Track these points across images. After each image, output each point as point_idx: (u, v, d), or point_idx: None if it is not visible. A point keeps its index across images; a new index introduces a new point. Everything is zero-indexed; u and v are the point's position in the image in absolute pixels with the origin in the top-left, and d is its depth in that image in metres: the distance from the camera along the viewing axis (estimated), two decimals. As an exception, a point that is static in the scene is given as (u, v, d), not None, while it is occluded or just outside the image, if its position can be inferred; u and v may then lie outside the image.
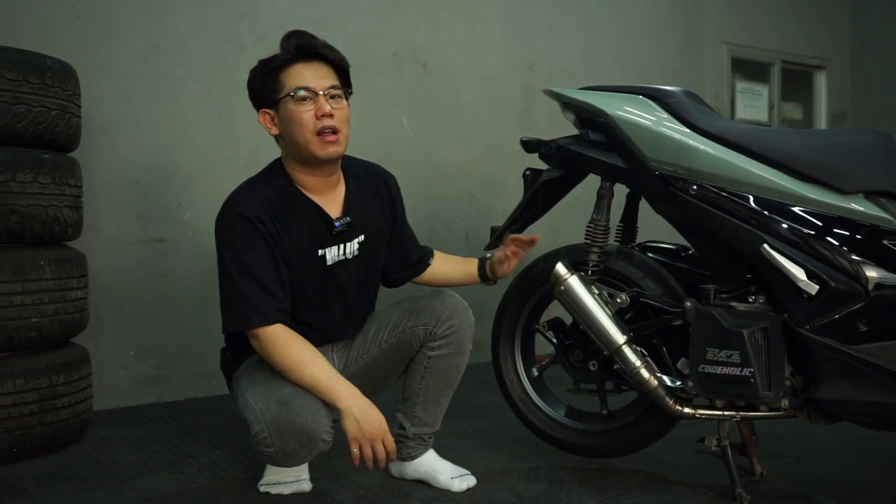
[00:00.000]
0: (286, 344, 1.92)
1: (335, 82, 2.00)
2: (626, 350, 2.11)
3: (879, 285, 1.86)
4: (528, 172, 2.43)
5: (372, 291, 2.25)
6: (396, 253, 2.27)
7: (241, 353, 2.13)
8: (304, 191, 2.06)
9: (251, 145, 3.43)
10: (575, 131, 2.37)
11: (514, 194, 4.06)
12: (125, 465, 2.42)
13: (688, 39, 5.01)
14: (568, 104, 2.30)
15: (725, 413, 2.07)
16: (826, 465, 2.38)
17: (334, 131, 1.97)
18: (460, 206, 4.04)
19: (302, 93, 1.95)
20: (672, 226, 2.23)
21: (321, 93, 1.96)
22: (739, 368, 1.96)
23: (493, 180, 4.16)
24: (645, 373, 2.10)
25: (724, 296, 2.10)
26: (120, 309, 3.17)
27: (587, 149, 2.25)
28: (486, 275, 2.31)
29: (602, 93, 2.24)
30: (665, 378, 2.12)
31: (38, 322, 2.44)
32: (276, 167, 2.10)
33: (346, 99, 2.04)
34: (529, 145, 2.40)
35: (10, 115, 2.39)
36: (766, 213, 1.97)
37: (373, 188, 2.20)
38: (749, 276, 2.09)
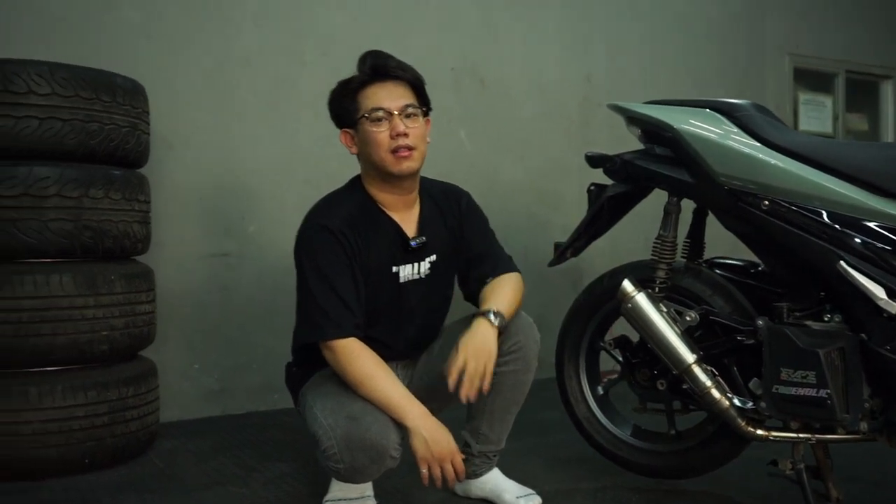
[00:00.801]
0: (360, 357, 1.93)
1: (410, 101, 2.02)
2: (696, 369, 2.07)
3: (964, 305, 1.78)
4: (592, 188, 2.40)
5: (441, 311, 2.24)
6: (469, 265, 2.24)
7: (308, 368, 2.13)
8: (382, 207, 2.08)
9: (313, 160, 3.47)
10: (638, 145, 2.34)
11: (572, 209, 4.04)
12: (192, 477, 2.45)
13: (750, 51, 4.92)
14: (634, 118, 2.27)
15: (800, 435, 2.00)
16: (904, 490, 2.29)
17: (409, 148, 1.99)
18: (518, 221, 4.02)
19: (378, 113, 1.98)
20: (742, 242, 2.18)
21: (395, 112, 1.98)
22: (815, 389, 1.89)
23: (550, 195, 4.13)
24: (716, 393, 2.05)
25: (797, 314, 2.03)
26: (185, 322, 3.22)
27: (653, 164, 2.22)
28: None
29: (669, 107, 2.21)
30: (736, 399, 2.07)
31: (108, 335, 2.48)
32: (356, 184, 2.12)
33: (425, 115, 2.06)
34: (594, 160, 2.37)
35: (85, 133, 2.45)
36: (841, 229, 1.91)
37: (445, 209, 2.20)
38: (823, 293, 2.03)
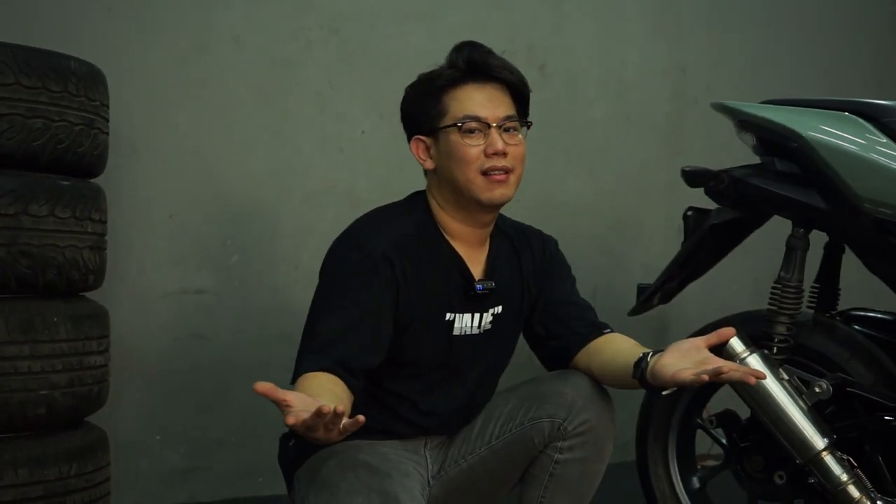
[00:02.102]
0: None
1: (512, 112, 2.07)
2: (828, 458, 2.07)
3: None
4: (689, 213, 2.42)
5: (496, 377, 2.26)
6: (552, 322, 2.24)
7: (308, 442, 2.13)
8: (448, 237, 2.11)
9: (316, 170, 3.50)
10: (753, 159, 2.35)
11: (657, 240, 4.04)
12: (150, 586, 2.45)
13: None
14: (746, 122, 2.30)
15: (968, 551, 1.98)
16: None
17: (506, 171, 2.02)
18: (586, 253, 4.00)
19: (471, 123, 2.01)
20: (890, 288, 2.18)
21: (494, 125, 2.02)
22: None
23: (628, 220, 4.13)
24: (854, 490, 2.06)
25: (966, 388, 2.02)
26: (146, 380, 3.24)
27: (772, 183, 2.24)
28: (646, 377, 1.99)
29: (794, 108, 2.24)
30: (880, 499, 2.07)
31: (47, 395, 2.48)
32: (419, 201, 2.16)
33: (523, 132, 2.10)
34: (693, 177, 2.39)
35: (25, 131, 2.47)
36: None
37: (522, 252, 2.23)
38: None
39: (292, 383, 1.99)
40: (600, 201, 4.09)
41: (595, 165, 4.10)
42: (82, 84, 2.61)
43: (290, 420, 1.56)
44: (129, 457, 3.19)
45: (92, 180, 2.76)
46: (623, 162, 4.14)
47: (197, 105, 3.33)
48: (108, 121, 2.80)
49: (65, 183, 2.58)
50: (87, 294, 2.77)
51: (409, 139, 2.12)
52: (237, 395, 3.33)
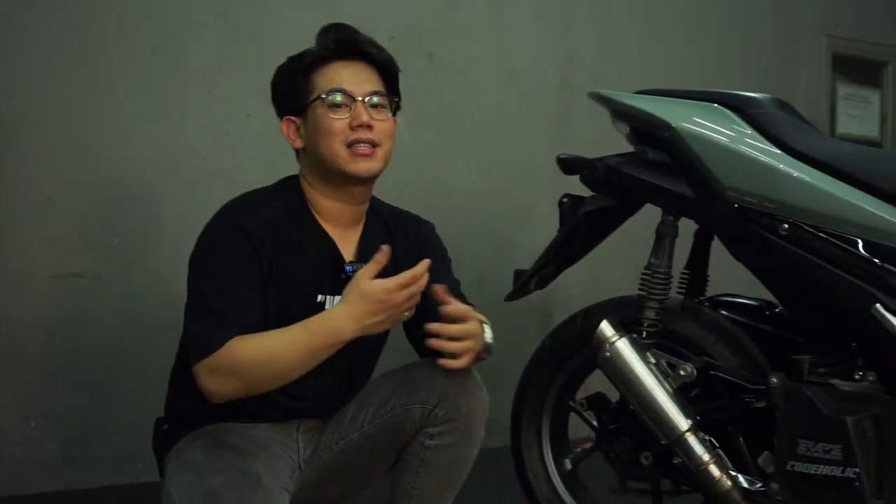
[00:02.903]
0: (244, 349, 1.91)
1: (379, 87, 2.08)
2: (691, 439, 2.11)
3: None
4: (565, 200, 2.45)
5: (370, 363, 2.26)
6: (423, 309, 2.26)
7: (182, 425, 2.12)
8: (319, 219, 2.12)
9: (203, 153, 3.46)
10: (628, 147, 2.39)
11: (545, 226, 4.05)
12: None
13: (779, 30, 5.03)
14: (621, 112, 2.33)
15: (822, 526, 2.05)
16: None
17: (372, 145, 2.04)
18: (474, 240, 4.03)
19: (337, 97, 2.02)
20: (754, 275, 2.24)
21: (360, 98, 2.03)
22: (841, 468, 1.95)
23: (517, 207, 4.17)
24: (715, 470, 2.10)
25: (822, 370, 2.09)
26: (21, 366, 3.17)
27: (644, 171, 2.27)
28: None
29: (667, 99, 2.28)
30: (741, 478, 2.11)
31: (-87, 380, 2.43)
32: (290, 184, 2.16)
33: (392, 110, 2.12)
34: (568, 164, 2.42)
35: None
36: (879, 262, 1.98)
37: (397, 235, 2.23)
38: (855, 344, 2.09)
39: (199, 359, 1.97)
40: (490, 188, 4.12)
41: (485, 152, 4.12)
42: (-49, 61, 2.55)
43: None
44: (3, 444, 3.13)
45: (-38, 160, 2.70)
46: (512, 149, 4.17)
47: (77, 85, 3.26)
48: (-20, 99, 2.73)
49: (-68, 162, 2.51)
50: (-42, 277, 2.71)
51: (280, 120, 2.13)
52: (117, 382, 3.29)
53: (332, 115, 2.02)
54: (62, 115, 3.24)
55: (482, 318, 2.06)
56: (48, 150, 3.22)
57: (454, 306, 1.94)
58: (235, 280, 1.99)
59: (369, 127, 2.03)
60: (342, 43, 2.06)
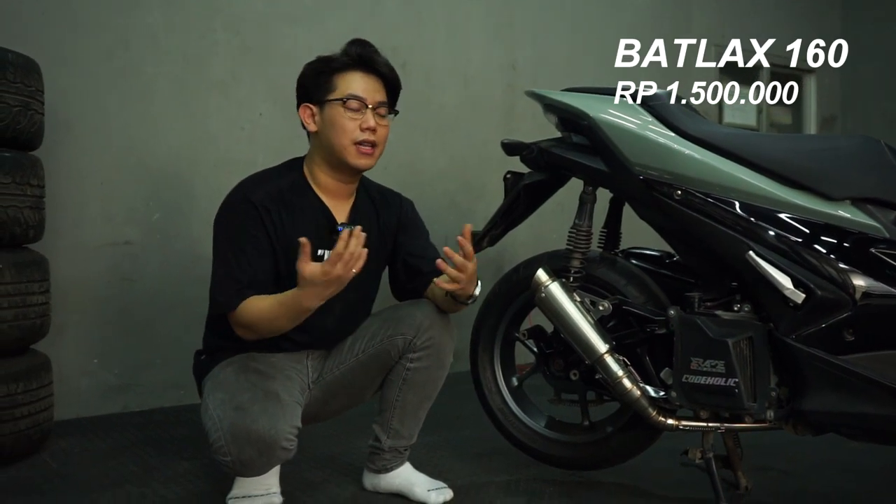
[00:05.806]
0: (251, 310, 1.98)
1: (385, 100, 2.11)
2: (608, 359, 2.13)
3: (867, 294, 1.88)
4: (508, 176, 2.45)
5: (362, 309, 2.27)
6: (407, 270, 2.26)
7: (216, 356, 2.14)
8: (316, 190, 2.14)
9: (223, 144, 3.44)
10: (557, 133, 2.39)
11: (496, 198, 4.04)
12: (87, 477, 2.40)
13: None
14: (550, 106, 2.32)
15: (710, 424, 2.08)
16: (812, 479, 2.41)
17: (373, 145, 2.07)
18: (440, 210, 4.04)
19: (354, 102, 2.05)
20: (656, 232, 2.25)
21: (370, 106, 2.06)
22: (724, 379, 1.98)
23: (473, 183, 4.18)
24: (627, 383, 2.12)
25: (708, 304, 2.11)
26: (83, 315, 3.15)
27: (569, 152, 2.27)
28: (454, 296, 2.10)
29: (585, 94, 2.27)
30: (648, 388, 2.14)
31: (-4, 327, 2.41)
32: (294, 164, 2.19)
33: (390, 118, 2.15)
34: (510, 148, 2.42)
35: (-30, 112, 2.37)
36: (752, 219, 2.00)
37: (381, 208, 2.26)
38: (734, 283, 2.11)
39: (215, 313, 2.04)
40: (451, 168, 4.13)
41: (447, 140, 4.12)
42: (20, 73, 2.52)
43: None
44: (72, 377, 3.12)
45: (30, 153, 2.66)
46: (469, 138, 4.18)
47: (121, 91, 3.22)
48: (43, 104, 2.69)
49: (6, 154, 2.49)
50: (29, 246, 2.68)
51: (298, 105, 2.13)
52: (160, 326, 3.29)
53: (348, 116, 2.05)
54: (111, 115, 3.20)
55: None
56: (101, 143, 3.18)
57: (468, 249, 1.94)
58: (247, 247, 2.03)
59: (373, 130, 2.06)
60: (364, 57, 2.08)
